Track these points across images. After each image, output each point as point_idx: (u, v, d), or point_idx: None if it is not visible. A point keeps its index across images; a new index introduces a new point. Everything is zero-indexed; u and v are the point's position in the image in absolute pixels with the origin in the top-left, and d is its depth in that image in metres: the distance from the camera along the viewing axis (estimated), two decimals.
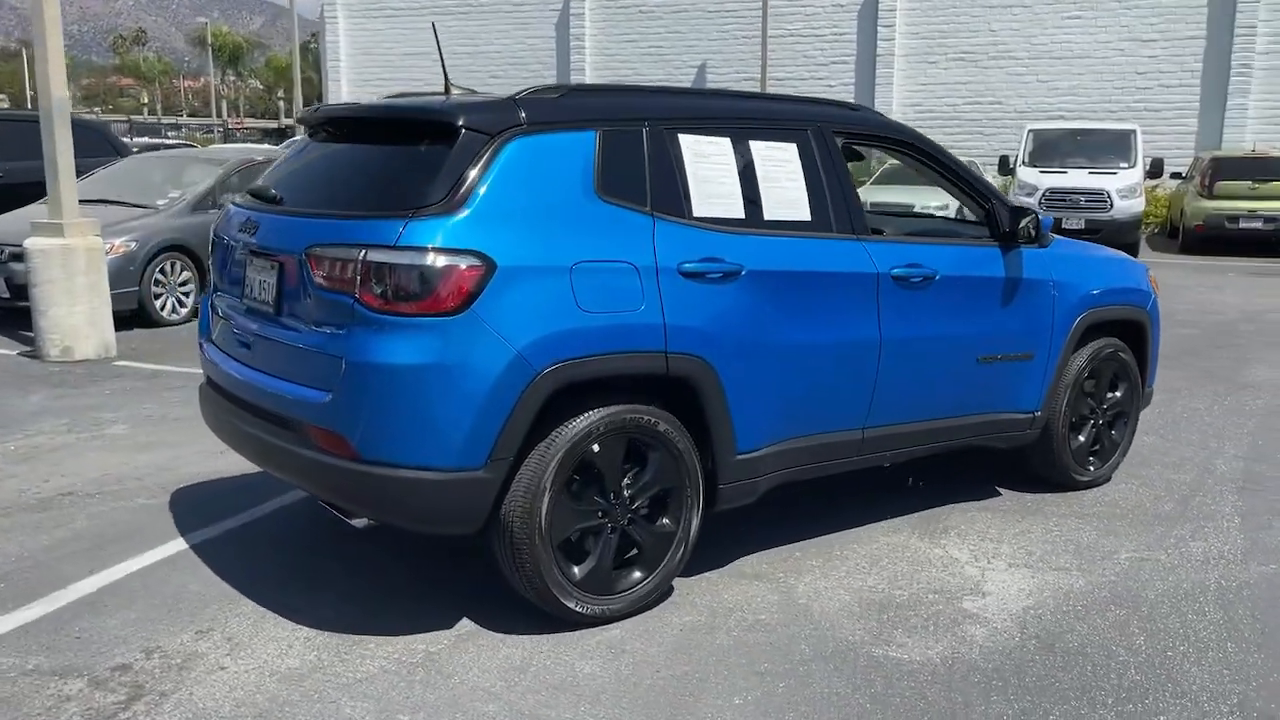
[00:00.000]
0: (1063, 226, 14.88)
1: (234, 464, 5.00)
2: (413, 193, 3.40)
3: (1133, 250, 14.89)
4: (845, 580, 4.09)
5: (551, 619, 3.59)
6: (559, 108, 3.65)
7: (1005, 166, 17.54)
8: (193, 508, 4.69)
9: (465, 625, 3.63)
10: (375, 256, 3.27)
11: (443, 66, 4.06)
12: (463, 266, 3.27)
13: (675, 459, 3.71)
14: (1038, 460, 5.12)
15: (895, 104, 23.14)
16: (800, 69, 24.29)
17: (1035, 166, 17.15)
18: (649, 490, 3.70)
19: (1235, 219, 16.39)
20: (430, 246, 3.26)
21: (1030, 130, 18.12)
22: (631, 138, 3.72)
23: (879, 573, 4.17)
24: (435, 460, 3.32)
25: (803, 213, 4.07)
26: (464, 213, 3.34)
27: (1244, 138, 20.86)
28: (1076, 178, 16.58)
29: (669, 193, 3.74)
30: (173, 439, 5.78)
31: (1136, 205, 16.53)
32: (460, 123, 3.47)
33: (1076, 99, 22.35)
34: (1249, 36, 21.15)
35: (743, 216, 3.90)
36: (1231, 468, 5.60)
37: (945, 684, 3.30)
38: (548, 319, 3.39)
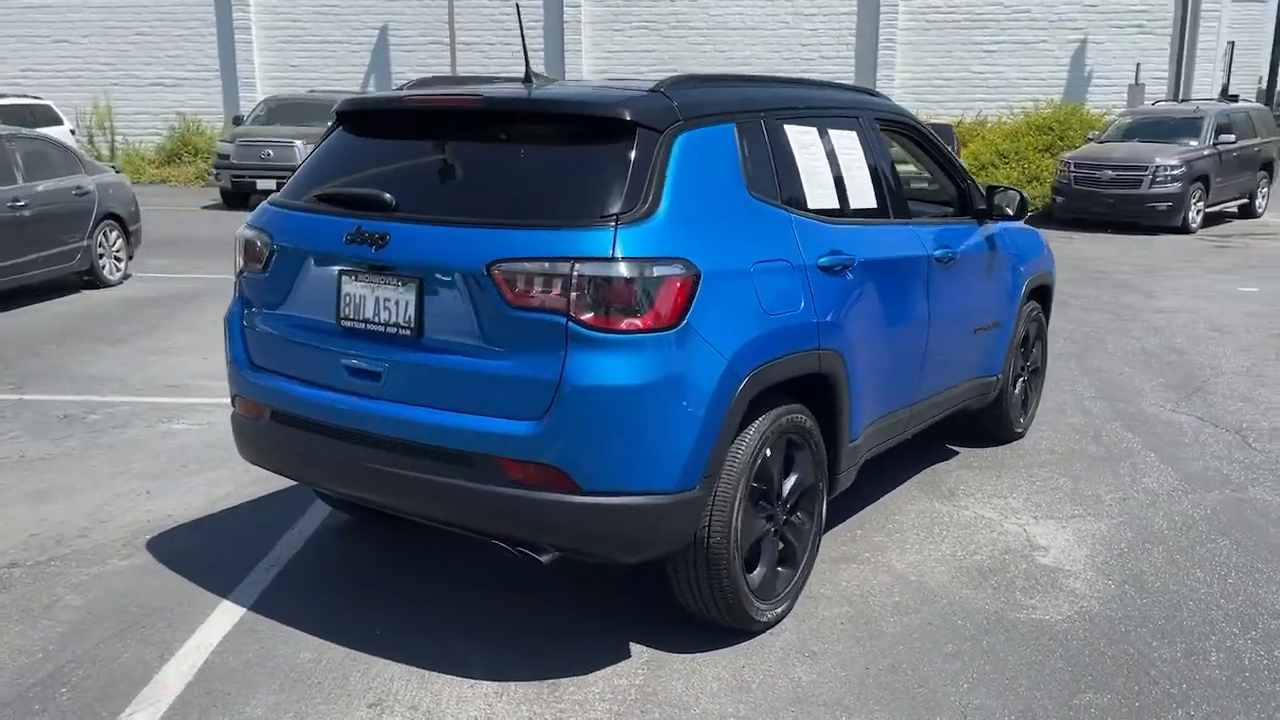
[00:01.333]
0: None
1: (180, 502, 4.42)
2: (594, 197, 3.13)
3: None
4: (926, 553, 4.30)
5: (714, 632, 3.51)
6: (702, 100, 3.48)
7: None
8: (200, 560, 4.01)
9: (643, 652, 3.45)
10: (589, 270, 2.98)
11: (525, 51, 3.73)
12: (676, 276, 3.08)
13: (814, 454, 3.72)
14: (990, 418, 5.61)
15: (585, 71, 23.52)
16: (490, 34, 23.97)
17: None
18: (799, 489, 3.69)
19: None
20: (645, 257, 3.04)
21: None
22: (755, 130, 3.64)
23: (944, 541, 4.42)
24: (660, 483, 3.11)
25: (871, 200, 4.17)
26: (660, 218, 3.13)
27: None
28: None
29: (793, 186, 3.72)
30: (69, 482, 4.84)
31: None
32: (629, 118, 3.22)
33: (751, 69, 23.87)
34: (892, 13, 23.59)
35: (839, 207, 3.95)
36: (1101, 407, 6.43)
37: (1107, 636, 3.61)
38: (744, 325, 3.28)
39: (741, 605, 3.43)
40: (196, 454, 5.21)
